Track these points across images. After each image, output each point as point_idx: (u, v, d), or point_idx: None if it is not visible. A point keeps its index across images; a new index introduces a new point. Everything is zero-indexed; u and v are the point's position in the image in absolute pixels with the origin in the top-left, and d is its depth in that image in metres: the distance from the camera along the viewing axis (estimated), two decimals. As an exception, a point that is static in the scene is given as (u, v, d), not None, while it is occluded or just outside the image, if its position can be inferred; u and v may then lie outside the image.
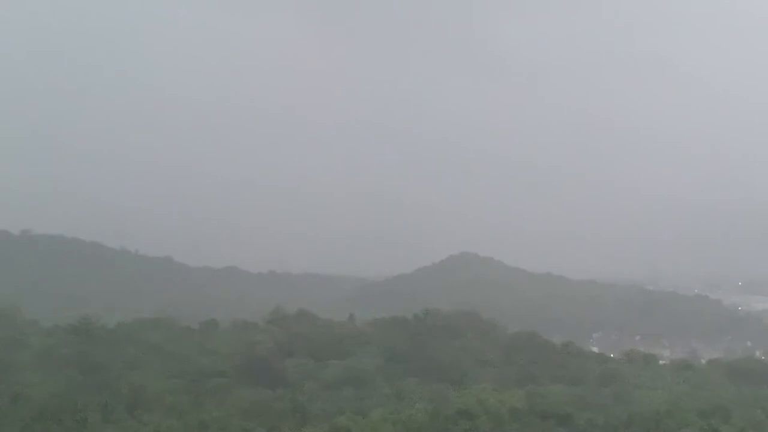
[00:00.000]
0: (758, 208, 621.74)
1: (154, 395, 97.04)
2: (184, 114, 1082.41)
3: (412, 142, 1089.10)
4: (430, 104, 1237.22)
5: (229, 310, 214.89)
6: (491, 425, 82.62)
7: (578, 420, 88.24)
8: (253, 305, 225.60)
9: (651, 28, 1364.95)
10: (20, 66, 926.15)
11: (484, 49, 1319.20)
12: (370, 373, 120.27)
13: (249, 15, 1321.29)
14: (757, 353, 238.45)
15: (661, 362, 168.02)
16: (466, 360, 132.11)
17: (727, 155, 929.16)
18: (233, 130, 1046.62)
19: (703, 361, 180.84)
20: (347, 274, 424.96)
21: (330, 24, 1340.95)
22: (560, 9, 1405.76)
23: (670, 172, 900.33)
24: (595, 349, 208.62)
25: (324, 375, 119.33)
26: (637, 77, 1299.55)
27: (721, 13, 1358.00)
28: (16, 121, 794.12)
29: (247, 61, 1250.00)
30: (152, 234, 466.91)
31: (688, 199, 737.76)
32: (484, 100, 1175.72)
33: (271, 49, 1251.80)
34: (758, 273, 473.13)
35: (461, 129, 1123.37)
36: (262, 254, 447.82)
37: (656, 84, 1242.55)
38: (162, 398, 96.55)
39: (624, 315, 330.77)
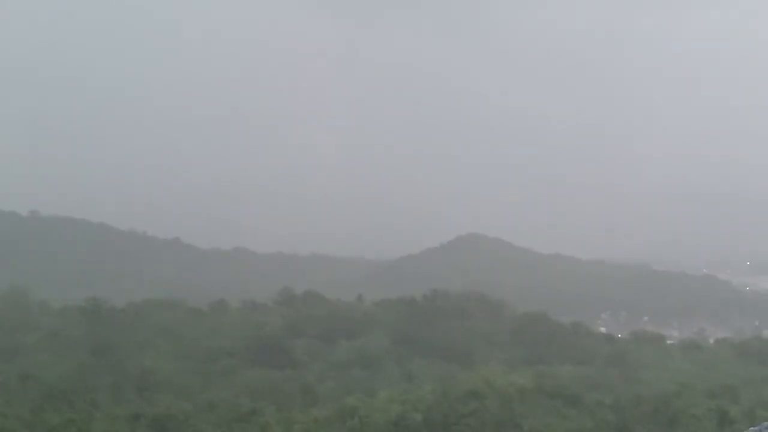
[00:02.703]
0: (767, 189, 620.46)
1: (163, 376, 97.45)
2: (187, 96, 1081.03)
3: (418, 122, 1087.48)
4: (439, 85, 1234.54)
5: (238, 291, 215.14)
6: (499, 405, 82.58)
7: (586, 400, 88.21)
8: (262, 286, 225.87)
9: (663, 11, 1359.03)
10: (30, 52, 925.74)
11: (493, 35, 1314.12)
12: (378, 354, 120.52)
13: (254, 7, 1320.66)
14: (765, 333, 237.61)
15: (669, 342, 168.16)
16: (475, 340, 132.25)
17: (736, 137, 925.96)
18: (236, 111, 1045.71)
19: (712, 341, 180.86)
20: (355, 256, 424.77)
21: (331, 16, 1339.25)
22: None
23: (679, 153, 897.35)
24: (604, 330, 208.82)
25: (332, 356, 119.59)
26: (642, 58, 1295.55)
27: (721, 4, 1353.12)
28: (27, 105, 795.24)
29: (251, 50, 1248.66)
30: (160, 215, 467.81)
31: (697, 179, 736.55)
32: (490, 79, 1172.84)
33: (280, 38, 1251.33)
34: (766, 253, 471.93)
35: (470, 111, 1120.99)
36: (270, 236, 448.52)
37: (664, 64, 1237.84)
38: (171, 379, 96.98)
39: (632, 295, 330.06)
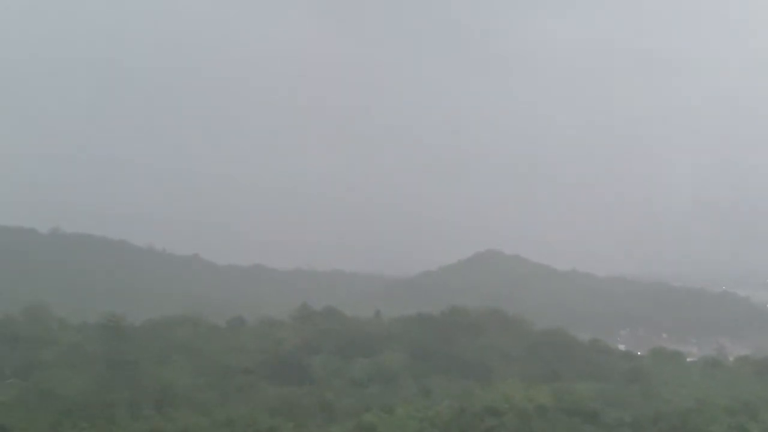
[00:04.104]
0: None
1: (181, 392, 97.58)
2: (205, 115, 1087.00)
3: (436, 140, 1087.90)
4: (451, 103, 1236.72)
5: (256, 307, 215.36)
6: (517, 422, 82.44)
7: (605, 417, 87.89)
8: (280, 303, 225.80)
9: (658, 26, 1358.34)
10: (40, 67, 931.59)
11: (500, 47, 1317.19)
12: (396, 370, 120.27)
13: (255, 12, 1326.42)
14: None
15: (688, 359, 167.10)
16: (492, 357, 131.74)
17: (756, 149, 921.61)
18: (255, 129, 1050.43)
19: (731, 358, 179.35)
20: (373, 272, 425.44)
21: (335, 22, 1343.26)
22: (566, 9, 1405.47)
23: (696, 167, 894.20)
24: (622, 347, 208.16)
25: (350, 372, 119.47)
26: (654, 74, 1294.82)
27: (725, 11, 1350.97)
28: (44, 123, 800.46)
29: (256, 59, 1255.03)
30: (179, 232, 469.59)
31: (715, 195, 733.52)
32: (506, 98, 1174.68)
33: (278, 47, 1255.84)
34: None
35: (485, 128, 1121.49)
36: (288, 252, 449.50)
37: (677, 74, 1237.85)
38: (189, 395, 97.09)
39: (651, 312, 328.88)
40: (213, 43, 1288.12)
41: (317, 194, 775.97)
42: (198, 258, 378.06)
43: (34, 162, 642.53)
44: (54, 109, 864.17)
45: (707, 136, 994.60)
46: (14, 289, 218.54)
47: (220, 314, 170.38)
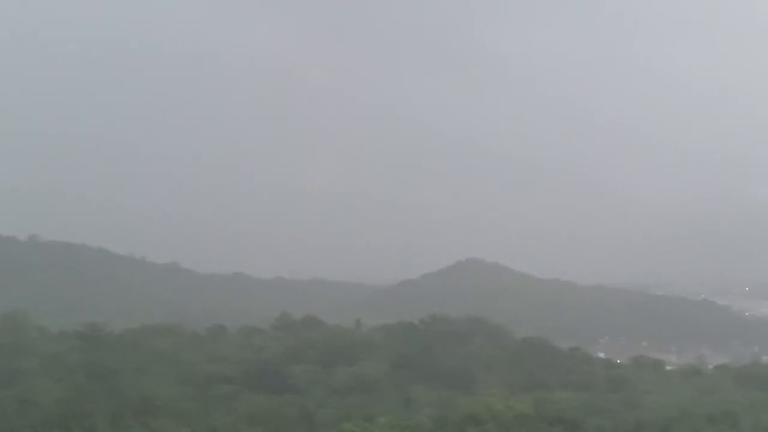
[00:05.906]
0: (766, 212, 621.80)
1: (162, 401, 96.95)
2: (185, 119, 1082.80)
3: (416, 147, 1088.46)
4: (431, 109, 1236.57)
5: (237, 316, 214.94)
6: (499, 431, 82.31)
7: (586, 426, 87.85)
8: (261, 311, 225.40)
9: (648, 31, 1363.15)
10: (23, 74, 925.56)
11: (482, 54, 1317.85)
12: (377, 380, 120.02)
13: (242, 19, 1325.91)
14: (765, 358, 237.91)
15: (668, 368, 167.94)
16: (474, 365, 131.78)
17: (734, 158, 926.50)
18: (235, 135, 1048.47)
19: (711, 367, 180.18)
20: (354, 281, 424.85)
21: (327, 28, 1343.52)
22: (555, 13, 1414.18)
23: (677, 175, 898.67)
24: (603, 355, 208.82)
25: (331, 381, 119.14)
26: (642, 81, 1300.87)
27: (717, 15, 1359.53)
28: (23, 128, 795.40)
29: (243, 66, 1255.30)
30: (159, 240, 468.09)
31: (695, 203, 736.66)
32: (485, 105, 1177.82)
33: (267, 53, 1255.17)
34: (766, 278, 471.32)
35: (465, 134, 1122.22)
36: (269, 260, 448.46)
37: (663, 87, 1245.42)
38: (170, 404, 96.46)
39: (631, 320, 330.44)
40: (198, 48, 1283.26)
41: (298, 203, 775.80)
42: (178, 266, 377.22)
43: (11, 169, 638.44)
44: (30, 114, 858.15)
45: (690, 145, 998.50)
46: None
47: (201, 323, 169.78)
